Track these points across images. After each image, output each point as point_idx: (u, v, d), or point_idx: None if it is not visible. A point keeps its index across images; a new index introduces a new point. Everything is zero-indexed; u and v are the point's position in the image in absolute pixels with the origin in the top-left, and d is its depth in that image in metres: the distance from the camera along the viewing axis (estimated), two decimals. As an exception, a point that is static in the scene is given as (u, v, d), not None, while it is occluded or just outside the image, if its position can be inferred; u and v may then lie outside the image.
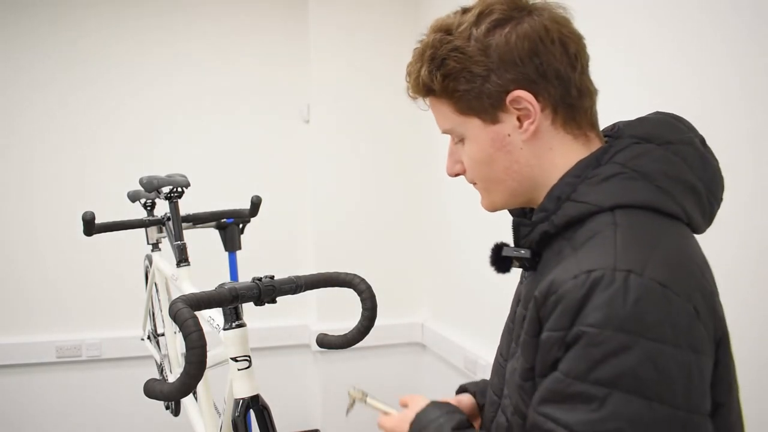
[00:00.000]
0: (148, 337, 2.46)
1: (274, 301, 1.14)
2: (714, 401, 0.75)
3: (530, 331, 0.78)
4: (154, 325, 2.40)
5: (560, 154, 0.85)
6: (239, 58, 3.09)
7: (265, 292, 1.11)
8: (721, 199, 0.87)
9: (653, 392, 0.68)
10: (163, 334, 2.26)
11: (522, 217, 0.89)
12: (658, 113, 0.88)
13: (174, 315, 0.93)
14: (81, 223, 1.86)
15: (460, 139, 0.90)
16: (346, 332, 1.18)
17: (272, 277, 1.13)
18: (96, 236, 1.93)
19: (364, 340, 1.19)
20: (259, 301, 1.11)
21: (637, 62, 1.59)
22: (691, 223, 0.82)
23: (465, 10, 0.86)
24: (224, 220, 2.24)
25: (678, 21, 1.46)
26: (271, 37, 3.13)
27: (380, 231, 3.11)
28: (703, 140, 0.87)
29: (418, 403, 0.98)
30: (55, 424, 2.96)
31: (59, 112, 2.94)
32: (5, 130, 2.91)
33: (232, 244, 2.28)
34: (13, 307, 2.93)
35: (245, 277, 1.31)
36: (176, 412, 2.16)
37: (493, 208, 0.92)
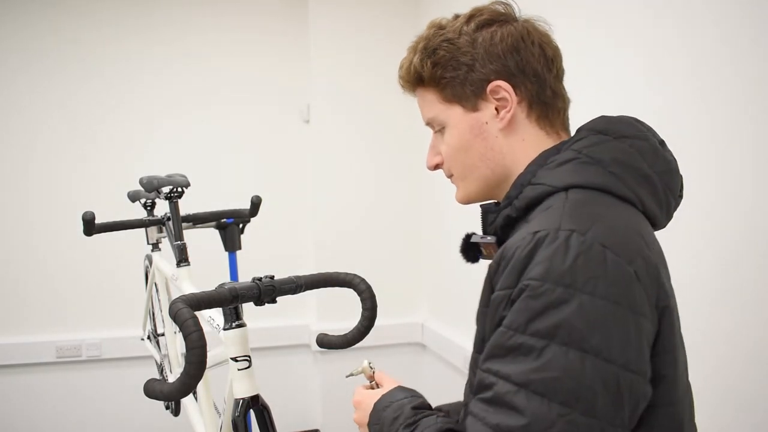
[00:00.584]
0: (148, 337, 2.46)
1: (274, 301, 1.14)
2: (657, 371, 0.78)
3: (483, 300, 0.83)
4: (154, 325, 2.40)
5: (532, 146, 0.92)
6: (239, 57, 3.09)
7: (265, 292, 1.11)
8: (680, 196, 0.93)
9: (589, 345, 0.72)
10: (163, 334, 2.26)
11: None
12: (624, 116, 0.95)
13: (174, 315, 0.93)
14: (81, 223, 1.86)
15: (440, 128, 0.97)
16: (346, 332, 1.18)
17: (272, 277, 1.13)
18: (96, 236, 1.93)
19: (364, 340, 1.19)
20: (259, 301, 1.11)
21: (641, 62, 1.59)
22: (647, 211, 0.87)
23: (457, 15, 0.95)
24: (224, 220, 2.24)
25: (682, 20, 1.46)
26: (272, 37, 3.13)
27: (380, 231, 3.11)
28: (662, 142, 0.93)
29: (386, 386, 1.02)
30: (55, 424, 2.96)
31: (59, 111, 2.94)
32: (5, 130, 2.91)
33: (232, 244, 2.28)
34: (13, 307, 2.93)
35: (245, 277, 1.31)
36: (176, 412, 2.17)
37: (467, 200, 0.99)
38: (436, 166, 1.00)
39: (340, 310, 2.60)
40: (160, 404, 2.36)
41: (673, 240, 1.43)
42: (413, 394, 0.98)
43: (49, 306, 2.95)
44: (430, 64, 0.93)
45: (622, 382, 0.73)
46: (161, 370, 2.28)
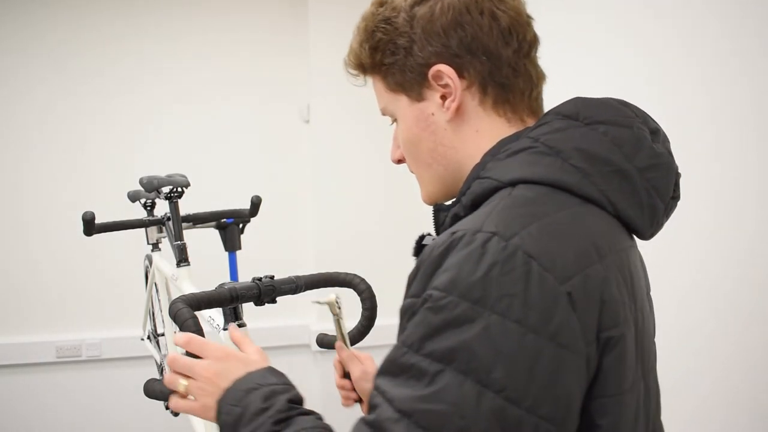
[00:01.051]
0: (148, 337, 2.46)
1: (274, 301, 1.14)
2: (589, 420, 0.64)
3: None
4: (154, 325, 2.41)
5: (488, 138, 0.78)
6: (239, 57, 3.09)
7: (265, 292, 1.11)
8: (675, 197, 0.77)
9: (489, 378, 0.59)
10: (163, 334, 2.26)
11: None
12: (607, 97, 0.80)
13: (174, 315, 0.93)
14: (81, 223, 1.86)
15: (394, 120, 0.85)
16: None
17: (272, 277, 1.14)
18: (96, 236, 1.93)
19: (364, 339, 1.19)
20: (259, 301, 1.11)
21: (645, 62, 1.59)
22: (620, 215, 0.72)
23: None
24: (224, 220, 2.24)
25: (686, 19, 1.46)
26: (272, 36, 3.13)
27: (380, 231, 3.11)
28: (655, 130, 0.78)
29: (250, 359, 0.87)
30: (54, 424, 2.96)
31: (59, 111, 2.94)
32: (4, 130, 2.91)
33: (232, 244, 2.28)
34: (14, 307, 2.93)
35: (245, 277, 1.31)
36: (176, 412, 2.16)
37: (430, 200, 0.86)
38: (399, 161, 0.88)
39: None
40: (160, 404, 2.36)
41: (676, 242, 1.43)
42: (286, 381, 0.84)
43: (49, 306, 2.95)
44: (368, 49, 0.81)
45: (525, 429, 0.59)
46: (161, 370, 2.28)
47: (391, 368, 0.64)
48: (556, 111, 0.77)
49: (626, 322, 0.67)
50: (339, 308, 1.05)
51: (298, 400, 0.81)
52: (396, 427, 0.60)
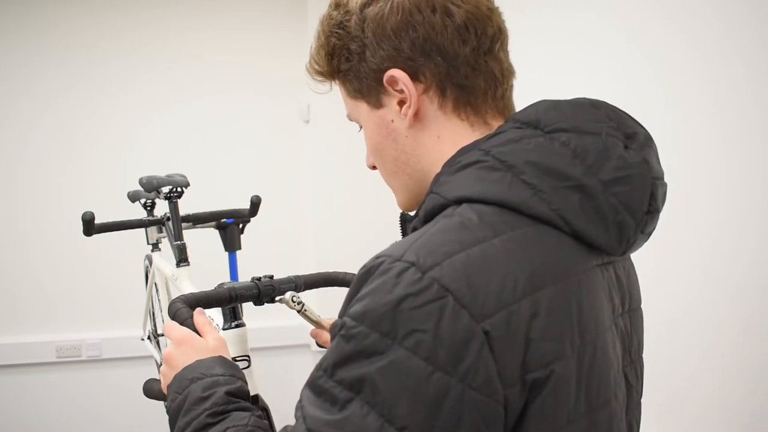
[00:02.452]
0: (149, 337, 2.46)
1: (273, 301, 1.14)
2: None
3: None
4: (155, 325, 2.40)
5: (450, 144, 0.73)
6: (239, 57, 3.09)
7: (264, 291, 1.11)
8: (650, 212, 0.69)
9: (391, 414, 0.57)
10: (163, 335, 2.25)
11: None
12: (579, 98, 0.73)
13: (173, 315, 0.93)
14: (81, 223, 1.86)
15: (360, 127, 0.82)
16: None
17: (271, 277, 1.13)
18: (96, 236, 1.93)
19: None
20: (258, 301, 1.11)
21: (651, 61, 1.59)
22: (578, 234, 0.65)
23: None
24: (224, 220, 2.24)
25: (690, 18, 1.46)
26: (271, 36, 3.13)
27: (380, 231, 3.09)
28: (632, 135, 0.70)
29: (205, 346, 0.86)
30: (54, 424, 2.96)
31: (58, 111, 2.94)
32: (4, 130, 2.91)
33: (232, 244, 2.28)
34: (13, 307, 2.93)
35: (246, 276, 1.31)
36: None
37: (404, 207, 0.83)
38: (374, 167, 0.84)
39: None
40: (161, 404, 2.36)
41: (681, 244, 1.43)
42: (233, 373, 0.81)
43: (49, 306, 2.95)
44: (324, 55, 0.78)
45: None
46: (161, 370, 2.28)
47: (312, 387, 0.63)
48: (515, 118, 0.71)
49: (562, 360, 0.62)
50: (298, 302, 1.06)
51: (238, 393, 0.78)
52: None
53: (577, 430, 0.64)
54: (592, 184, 0.65)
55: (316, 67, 0.80)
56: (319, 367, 0.63)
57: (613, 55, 1.67)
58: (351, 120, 0.84)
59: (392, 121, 0.75)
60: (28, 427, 2.94)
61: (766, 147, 1.25)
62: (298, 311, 1.06)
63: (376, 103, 0.76)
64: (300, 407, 0.64)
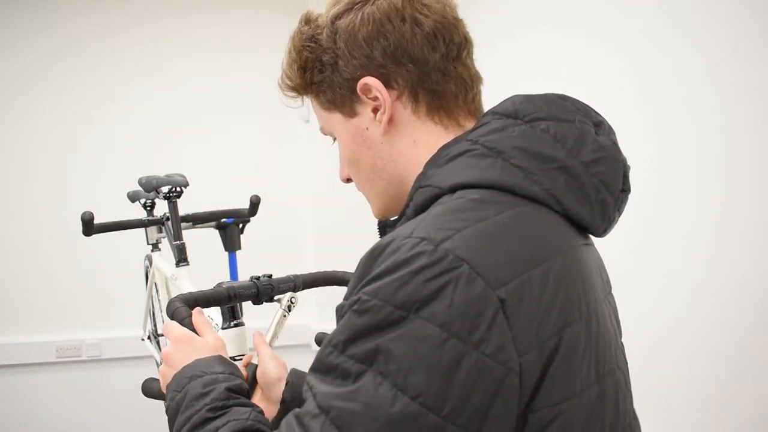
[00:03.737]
0: (149, 337, 2.46)
1: (272, 300, 1.14)
2: None
3: None
4: (155, 325, 2.41)
5: (426, 147, 0.75)
6: (238, 57, 3.09)
7: (263, 291, 1.11)
8: (624, 191, 0.74)
9: (405, 382, 0.57)
10: (163, 335, 2.25)
11: None
12: (548, 93, 0.77)
13: (171, 314, 0.93)
14: (80, 223, 1.86)
15: (334, 139, 0.84)
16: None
17: (270, 276, 1.13)
18: (96, 236, 1.93)
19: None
20: (257, 300, 1.11)
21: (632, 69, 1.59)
22: (568, 212, 0.69)
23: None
24: (224, 219, 2.24)
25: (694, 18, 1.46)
26: (271, 36, 3.11)
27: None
28: (599, 123, 0.75)
29: (204, 345, 0.87)
30: (55, 424, 2.96)
31: (58, 112, 2.94)
32: (4, 130, 2.91)
33: (231, 243, 2.28)
34: (13, 307, 2.93)
35: (246, 276, 1.31)
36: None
37: (380, 215, 0.85)
38: (348, 180, 0.86)
39: (340, 310, 2.59)
40: (160, 404, 2.36)
41: (687, 240, 1.43)
42: (232, 371, 0.83)
43: (49, 306, 2.95)
44: (296, 69, 0.81)
45: None
46: (161, 370, 2.28)
47: (319, 366, 0.64)
48: (493, 111, 0.74)
49: (572, 326, 0.64)
50: (289, 309, 1.06)
51: (238, 390, 0.79)
52: (313, 423, 0.60)
53: (590, 397, 0.66)
54: (575, 165, 0.69)
55: (288, 82, 0.83)
56: (327, 345, 0.63)
57: (588, 61, 1.67)
58: (324, 134, 0.85)
59: (367, 128, 0.78)
60: (28, 427, 2.94)
61: (751, 140, 1.25)
62: (283, 314, 1.07)
63: (350, 112, 0.78)
64: (308, 388, 0.63)
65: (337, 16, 0.77)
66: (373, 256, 0.63)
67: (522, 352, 0.60)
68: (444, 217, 0.64)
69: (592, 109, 0.77)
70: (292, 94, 0.85)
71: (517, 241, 0.64)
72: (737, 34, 1.29)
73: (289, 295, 1.07)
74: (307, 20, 0.80)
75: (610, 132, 0.76)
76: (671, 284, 1.43)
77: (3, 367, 2.91)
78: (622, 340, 0.81)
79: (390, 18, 0.74)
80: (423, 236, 0.61)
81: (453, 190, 0.68)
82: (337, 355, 0.61)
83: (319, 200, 3.06)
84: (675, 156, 1.43)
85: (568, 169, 0.69)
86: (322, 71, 0.78)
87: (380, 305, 0.59)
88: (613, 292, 0.83)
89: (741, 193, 1.29)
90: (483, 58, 0.84)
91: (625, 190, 0.75)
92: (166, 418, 0.88)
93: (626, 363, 0.79)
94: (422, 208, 0.70)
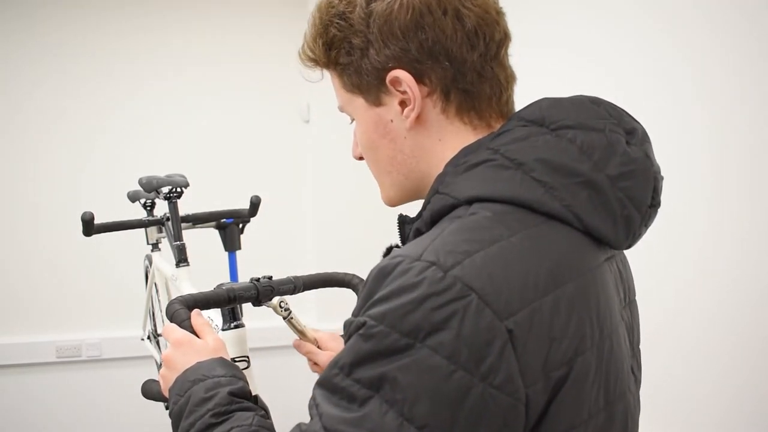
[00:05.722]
0: (148, 337, 2.46)
1: (261, 305, 1.13)
2: None
3: None
4: (154, 325, 2.40)
5: (451, 147, 0.72)
6: (239, 57, 3.09)
7: (263, 292, 1.10)
8: (653, 206, 0.70)
9: (411, 412, 0.57)
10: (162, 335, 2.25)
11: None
12: (578, 95, 0.73)
13: (171, 316, 0.93)
14: (80, 223, 1.85)
15: (352, 120, 0.81)
16: (346, 333, 1.17)
17: (270, 278, 1.13)
18: (96, 236, 1.93)
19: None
20: (257, 302, 1.11)
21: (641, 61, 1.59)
22: (589, 230, 0.66)
23: None
24: (224, 220, 2.24)
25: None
26: (271, 36, 3.13)
27: (381, 231, 3.10)
28: (632, 131, 0.70)
29: (204, 347, 0.86)
30: (55, 424, 2.96)
31: (59, 111, 2.94)
32: (4, 130, 2.91)
33: (231, 244, 2.28)
34: (14, 308, 2.93)
35: (245, 277, 1.31)
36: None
37: (390, 203, 0.82)
38: (361, 158, 0.83)
39: (339, 310, 2.59)
40: (160, 404, 2.36)
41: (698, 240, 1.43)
42: (234, 373, 0.82)
43: (49, 306, 2.95)
44: (321, 45, 0.74)
45: None
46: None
47: (326, 384, 0.63)
48: (519, 116, 0.70)
49: (583, 355, 0.62)
50: (285, 309, 1.06)
51: (241, 394, 0.78)
52: None
53: (597, 424, 0.65)
54: (600, 179, 0.65)
55: (310, 54, 0.77)
56: (334, 365, 0.62)
57: (608, 56, 1.67)
58: (342, 112, 0.81)
59: (391, 120, 0.74)
60: (28, 427, 2.94)
61: (761, 143, 1.25)
62: (284, 317, 1.06)
63: (375, 101, 0.74)
64: (314, 405, 0.63)
65: None
66: (382, 275, 0.61)
67: (529, 383, 0.59)
68: (457, 236, 0.62)
69: (626, 114, 0.73)
70: (311, 65, 0.78)
71: (530, 266, 0.61)
72: (731, 46, 1.29)
73: (277, 300, 1.07)
74: None
75: (644, 141, 0.71)
76: (687, 289, 1.43)
77: (3, 367, 2.90)
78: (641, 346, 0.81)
79: (431, 8, 0.68)
80: (433, 260, 0.59)
81: (469, 202, 0.66)
82: (343, 378, 0.60)
83: (319, 200, 3.05)
84: (692, 154, 1.42)
85: (593, 183, 0.65)
86: (350, 54, 0.72)
87: (387, 331, 0.58)
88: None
89: (729, 197, 1.29)
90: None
91: (655, 204, 0.71)
92: (165, 418, 0.88)
93: (637, 379, 0.78)
94: (438, 216, 0.68)
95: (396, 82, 0.71)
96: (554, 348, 0.60)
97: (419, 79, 0.70)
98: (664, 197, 0.72)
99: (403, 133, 0.74)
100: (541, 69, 1.79)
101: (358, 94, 0.75)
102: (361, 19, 0.71)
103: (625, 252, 0.80)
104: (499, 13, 0.73)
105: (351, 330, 0.62)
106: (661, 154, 1.45)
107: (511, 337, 0.58)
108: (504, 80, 0.73)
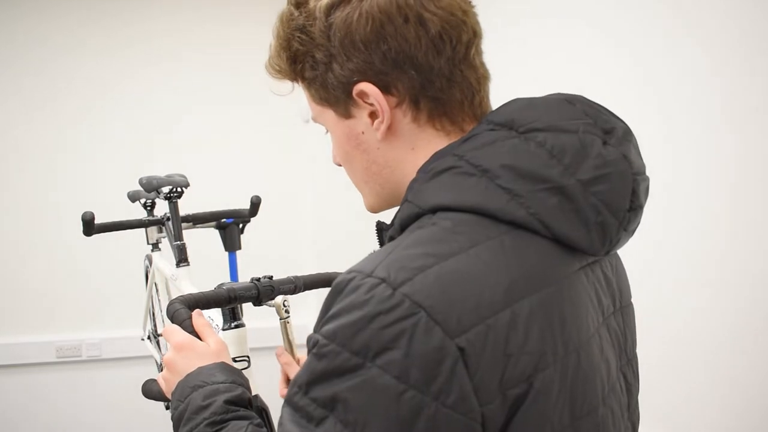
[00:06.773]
0: (149, 337, 2.46)
1: (262, 305, 1.14)
2: None
3: None
4: (155, 325, 2.40)
5: (424, 156, 0.70)
6: (238, 56, 3.09)
7: (264, 292, 1.11)
8: (632, 209, 0.67)
9: (363, 431, 0.56)
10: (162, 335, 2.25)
11: None
12: (554, 94, 0.70)
13: (171, 316, 0.93)
14: (80, 223, 1.86)
15: (327, 131, 0.79)
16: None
17: (271, 278, 1.13)
18: (96, 236, 1.93)
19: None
20: (257, 302, 1.11)
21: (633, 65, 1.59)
22: (559, 237, 0.63)
23: None
24: (224, 220, 2.24)
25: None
26: (271, 35, 3.13)
27: (380, 231, 3.11)
28: (610, 131, 0.67)
29: (207, 351, 0.86)
30: (55, 424, 2.96)
31: (59, 111, 2.94)
32: (4, 130, 2.91)
33: (232, 244, 2.28)
34: (13, 307, 2.93)
35: (246, 277, 1.31)
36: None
37: (372, 210, 0.81)
38: (340, 164, 0.81)
39: (340, 310, 2.59)
40: (160, 404, 2.36)
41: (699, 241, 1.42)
42: (234, 379, 0.81)
43: (49, 306, 2.95)
44: (286, 59, 0.73)
45: None
46: (161, 371, 2.28)
47: (290, 402, 0.62)
48: (489, 119, 0.68)
49: (544, 371, 0.59)
50: (287, 312, 1.06)
51: (237, 401, 0.78)
52: None
53: None
54: (571, 185, 0.62)
55: (276, 68, 0.76)
56: (294, 383, 0.61)
57: (595, 56, 1.67)
58: (316, 122, 0.79)
59: (363, 132, 0.72)
60: (28, 427, 2.94)
61: (756, 141, 1.25)
62: (284, 318, 1.06)
63: (345, 114, 0.72)
64: (280, 423, 0.63)
65: (332, 7, 0.68)
66: (336, 290, 0.60)
67: (484, 402, 0.57)
68: (412, 250, 0.60)
69: (605, 112, 0.70)
70: (279, 77, 0.77)
71: (487, 280, 0.59)
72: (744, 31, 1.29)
73: (281, 298, 1.07)
74: (298, 3, 0.72)
75: (624, 140, 0.68)
76: (682, 285, 1.43)
77: (3, 367, 2.91)
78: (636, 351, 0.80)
79: (391, 17, 0.66)
80: (383, 277, 0.57)
81: (433, 211, 0.64)
82: (302, 397, 0.60)
83: (319, 200, 3.05)
84: (683, 151, 1.42)
85: (563, 189, 0.62)
86: (314, 68, 0.71)
87: (338, 350, 0.57)
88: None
89: (747, 193, 1.29)
90: (491, 44, 0.78)
91: (635, 207, 0.67)
92: (165, 418, 0.88)
93: (631, 387, 0.76)
94: (405, 223, 0.67)
95: (363, 95, 0.69)
96: (511, 365, 0.58)
97: (386, 90, 0.68)
98: (668, 194, 0.69)
99: (376, 144, 0.72)
100: (553, 44, 1.78)
101: (328, 106, 0.73)
102: (322, 33, 0.69)
103: (619, 252, 0.79)
104: (466, 12, 0.70)
105: (309, 347, 0.61)
106: (667, 151, 1.44)
107: (463, 355, 0.56)
108: (475, 82, 0.71)
